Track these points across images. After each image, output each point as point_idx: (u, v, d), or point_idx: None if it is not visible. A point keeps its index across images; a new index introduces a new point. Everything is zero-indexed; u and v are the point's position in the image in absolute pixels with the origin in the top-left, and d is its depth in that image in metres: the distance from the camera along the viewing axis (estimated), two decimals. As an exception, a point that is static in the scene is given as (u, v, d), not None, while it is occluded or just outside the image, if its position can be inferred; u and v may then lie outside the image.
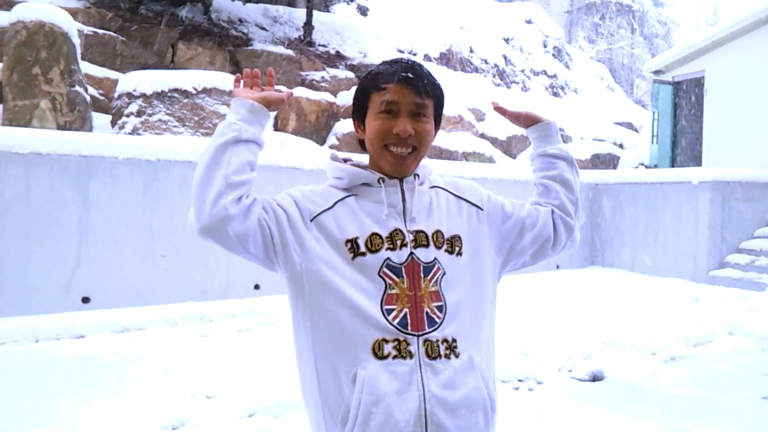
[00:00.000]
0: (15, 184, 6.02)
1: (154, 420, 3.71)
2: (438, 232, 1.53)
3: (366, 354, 1.42)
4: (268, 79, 1.62)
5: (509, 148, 15.10)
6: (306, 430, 3.62)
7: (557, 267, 10.92)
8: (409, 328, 1.44)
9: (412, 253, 1.48)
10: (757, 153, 12.09)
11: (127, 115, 8.13)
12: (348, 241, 1.48)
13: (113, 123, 8.38)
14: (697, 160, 13.87)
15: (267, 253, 1.48)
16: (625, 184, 11.00)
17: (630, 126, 19.06)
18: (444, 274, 1.50)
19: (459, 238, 1.56)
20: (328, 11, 17.36)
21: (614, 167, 15.77)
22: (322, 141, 11.47)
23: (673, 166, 14.41)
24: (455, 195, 1.63)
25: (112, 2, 12.10)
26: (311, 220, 1.50)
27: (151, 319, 6.20)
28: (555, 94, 21.39)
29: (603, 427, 3.97)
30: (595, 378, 4.92)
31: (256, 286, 7.40)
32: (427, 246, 1.50)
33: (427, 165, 1.64)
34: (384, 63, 1.58)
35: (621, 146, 17.16)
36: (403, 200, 1.54)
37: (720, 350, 5.89)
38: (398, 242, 1.49)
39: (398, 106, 1.50)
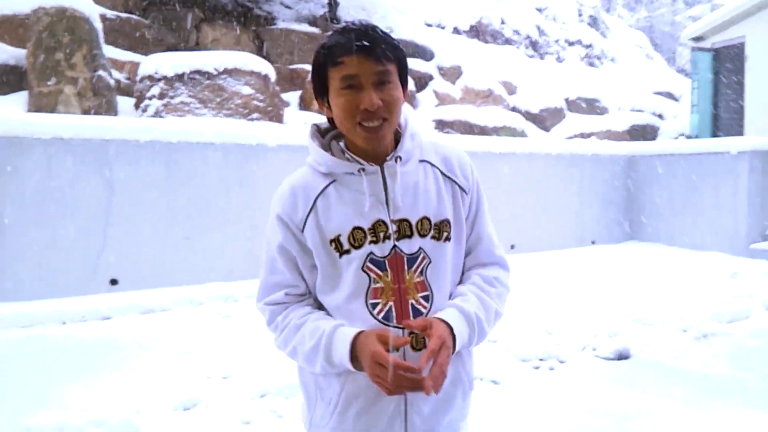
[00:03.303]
0: (39, 170, 6.08)
1: (168, 400, 3.71)
2: (424, 219, 1.48)
3: None
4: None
5: (542, 121, 14.77)
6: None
7: (592, 242, 10.67)
8: (394, 320, 1.44)
9: (395, 245, 1.46)
10: (801, 120, 11.59)
11: (150, 98, 8.14)
12: (332, 240, 1.46)
13: (136, 106, 8.41)
14: (739, 130, 13.36)
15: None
16: (662, 155, 10.64)
17: (670, 96, 18.46)
18: (430, 263, 1.48)
19: (448, 222, 1.52)
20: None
21: (654, 138, 15.32)
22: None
23: (714, 136, 13.91)
24: (444, 174, 1.56)
25: (136, -14, 12.12)
26: (302, 231, 1.49)
27: (176, 301, 6.24)
28: (591, 64, 20.84)
29: (625, 407, 3.84)
30: (621, 356, 4.77)
31: (282, 266, 7.38)
32: (410, 236, 1.47)
33: (416, 134, 1.56)
34: (335, 33, 1.46)
35: (660, 117, 16.63)
36: (385, 188, 1.48)
37: (755, 326, 5.66)
38: (381, 234, 1.46)
39: (360, 79, 1.40)
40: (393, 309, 1.45)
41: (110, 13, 10.55)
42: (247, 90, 8.55)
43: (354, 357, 1.39)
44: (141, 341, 5.03)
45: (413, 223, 1.47)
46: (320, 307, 1.55)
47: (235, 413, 3.58)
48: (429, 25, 17.22)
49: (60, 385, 3.99)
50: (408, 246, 1.46)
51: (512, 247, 9.31)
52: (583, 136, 14.27)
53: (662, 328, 5.46)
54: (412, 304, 1.46)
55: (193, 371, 4.25)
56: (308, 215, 1.48)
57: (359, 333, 1.40)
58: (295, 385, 3.90)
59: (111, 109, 8.19)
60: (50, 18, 7.73)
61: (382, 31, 1.45)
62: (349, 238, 1.45)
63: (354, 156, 1.49)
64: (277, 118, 9.05)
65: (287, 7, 14.07)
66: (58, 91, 7.71)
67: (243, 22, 12.61)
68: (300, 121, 9.67)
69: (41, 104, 7.67)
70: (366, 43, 1.40)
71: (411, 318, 1.45)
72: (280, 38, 12.48)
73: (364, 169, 1.47)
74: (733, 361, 4.73)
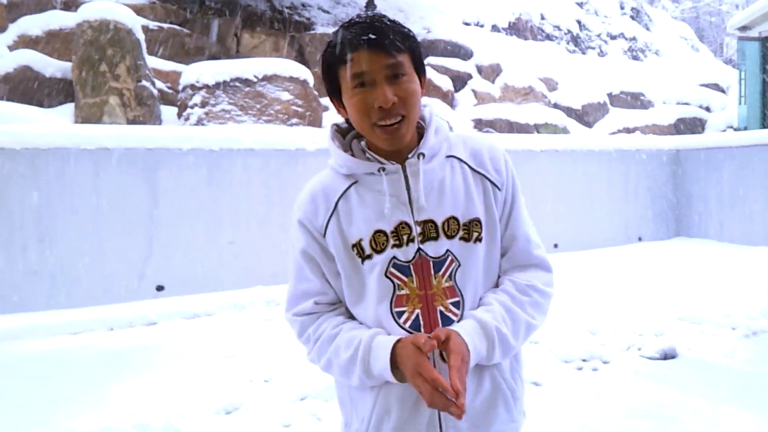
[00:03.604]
0: (86, 179, 6.26)
1: (209, 404, 3.77)
2: (451, 219, 1.38)
3: None
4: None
5: (584, 117, 14.54)
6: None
7: (639, 239, 10.46)
8: (421, 329, 1.36)
9: (419, 248, 1.36)
10: None
11: (192, 107, 8.31)
12: (354, 245, 1.39)
13: (179, 115, 8.60)
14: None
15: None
16: (709, 149, 10.36)
17: (717, 87, 17.97)
18: (459, 266, 1.38)
19: (478, 222, 1.41)
20: (392, -11, 17.16)
21: (702, 131, 14.93)
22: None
23: (763, 127, 13.49)
24: (473, 169, 1.45)
25: (177, -3, 12.40)
26: (324, 236, 1.42)
27: (220, 305, 6.35)
28: (635, 58, 20.43)
29: (670, 408, 3.75)
30: (667, 356, 4.65)
31: (323, 270, 7.43)
32: (436, 238, 1.37)
33: (442, 128, 1.46)
34: (340, 28, 1.36)
35: (708, 109, 16.21)
36: (408, 188, 1.38)
37: (809, 323, 5.47)
38: (404, 237, 1.37)
39: (371, 76, 1.30)
40: (420, 317, 1.36)
41: (152, 24, 10.80)
42: (286, 96, 8.65)
43: (394, 366, 1.29)
44: (185, 346, 5.13)
45: (439, 223, 1.38)
46: (352, 317, 1.47)
47: (275, 416, 3.62)
48: (467, 24, 17.14)
49: (105, 389, 4.10)
50: (434, 249, 1.37)
51: (555, 246, 9.19)
52: (627, 131, 14.00)
53: (709, 326, 5.32)
54: (441, 311, 1.36)
55: (236, 375, 4.31)
56: (329, 219, 1.41)
57: (398, 341, 1.30)
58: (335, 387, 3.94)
59: (155, 119, 8.38)
60: (94, 31, 7.96)
61: (390, 20, 1.35)
62: (371, 243, 1.37)
63: (374, 155, 1.41)
64: (316, 123, 9.13)
65: (325, 11, 14.18)
66: (103, 102, 7.93)
67: (282, 29, 12.76)
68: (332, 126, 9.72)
69: (88, 115, 7.90)
70: (372, 36, 1.29)
71: (440, 326, 1.36)
72: (318, 43, 12.58)
73: (384, 169, 1.38)
74: (784, 359, 4.58)
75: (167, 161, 6.65)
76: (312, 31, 13.11)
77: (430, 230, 1.37)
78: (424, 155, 1.39)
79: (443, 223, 1.38)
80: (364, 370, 1.33)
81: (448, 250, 1.37)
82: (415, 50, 1.37)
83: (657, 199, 10.67)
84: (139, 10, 10.28)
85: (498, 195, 1.45)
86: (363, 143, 1.45)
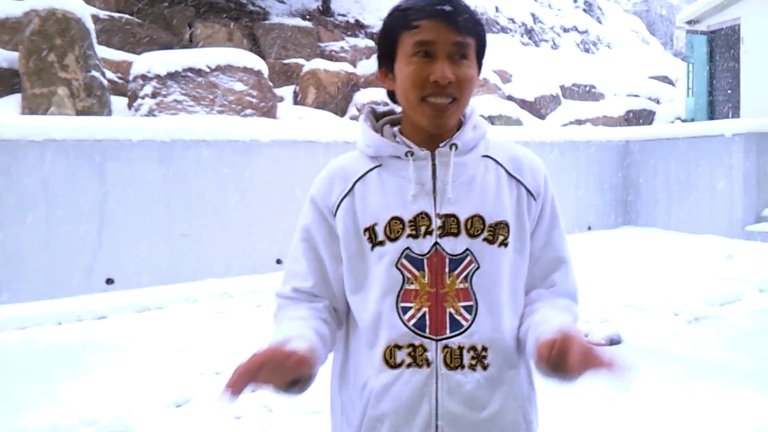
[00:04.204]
0: (33, 172, 6.12)
1: (160, 398, 3.75)
2: (476, 217, 1.28)
3: (378, 362, 1.27)
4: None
5: (537, 109, 14.75)
6: (306, 401, 3.62)
7: (589, 228, 10.70)
8: (427, 330, 1.25)
9: (436, 242, 1.26)
10: (797, 101, 11.57)
11: (142, 97, 8.18)
12: (366, 229, 1.29)
13: (129, 106, 8.45)
14: (735, 112, 13.34)
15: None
16: (657, 140, 10.65)
17: (666, 80, 18.43)
18: (477, 268, 1.27)
19: (506, 225, 1.30)
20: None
21: (650, 123, 15.30)
22: (342, 112, 11.39)
23: (710, 119, 13.89)
24: (509, 173, 1.35)
25: (128, -15, 12.14)
26: (334, 216, 1.33)
27: (171, 298, 6.29)
28: (587, 50, 20.79)
29: (617, 392, 3.87)
30: (613, 342, 4.80)
31: (278, 261, 7.43)
32: (456, 234, 1.27)
33: (481, 124, 1.37)
34: None
35: (657, 101, 16.61)
36: (435, 177, 1.30)
37: (748, 309, 5.70)
38: (422, 228, 1.27)
39: (435, 47, 1.23)
40: (427, 317, 1.25)
41: (102, 13, 10.57)
42: (239, 86, 8.58)
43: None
44: (136, 340, 5.08)
45: (462, 219, 1.28)
46: (335, 310, 1.36)
47: (226, 409, 3.62)
48: (423, 16, 17.18)
49: (53, 384, 4.04)
50: (452, 245, 1.27)
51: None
52: (579, 122, 14.26)
53: (654, 312, 5.49)
54: (450, 313, 1.26)
55: (187, 368, 4.29)
56: (343, 198, 1.32)
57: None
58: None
59: (104, 109, 8.22)
60: (42, 20, 7.76)
61: (464, 2, 1.28)
62: (385, 229, 1.27)
63: (405, 140, 1.33)
64: (271, 114, 9.08)
65: (280, 1, 14.07)
66: (51, 92, 7.74)
67: (236, 18, 12.62)
68: (294, 116, 9.69)
69: (35, 106, 7.70)
70: (448, 8, 1.23)
71: (447, 330, 1.25)
72: (273, 33, 12.48)
73: (412, 153, 1.30)
74: (724, 343, 4.77)
75: (117, 152, 6.54)
76: (267, 21, 12.99)
77: (450, 225, 1.28)
78: (456, 146, 1.31)
79: (466, 221, 1.28)
80: None
81: (467, 249, 1.28)
82: (483, 39, 1.31)
83: (606, 189, 10.93)
84: (89, 0, 10.04)
85: (532, 204, 1.35)
86: (395, 129, 1.37)
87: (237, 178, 7.19)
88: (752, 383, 3.96)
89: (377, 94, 11.24)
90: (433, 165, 1.30)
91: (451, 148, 1.30)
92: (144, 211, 6.69)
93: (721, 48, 14.03)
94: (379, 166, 1.33)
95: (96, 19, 9.68)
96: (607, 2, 26.79)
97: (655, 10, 35.12)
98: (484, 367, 1.26)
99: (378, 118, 1.42)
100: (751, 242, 8.79)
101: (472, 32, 1.26)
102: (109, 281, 6.49)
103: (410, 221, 1.27)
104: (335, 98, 11.31)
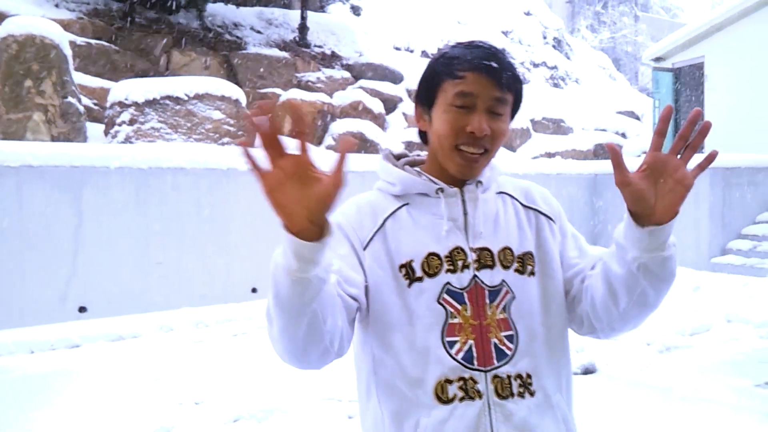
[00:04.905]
0: (8, 198, 6.06)
1: (140, 428, 3.72)
2: (506, 250, 1.33)
3: (429, 398, 1.24)
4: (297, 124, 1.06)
5: (509, 141, 15.04)
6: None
7: (560, 259, 10.87)
8: (475, 363, 1.25)
9: (475, 275, 1.29)
10: (759, 137, 11.98)
11: (119, 124, 8.17)
12: (402, 266, 1.29)
13: (106, 132, 8.43)
14: (700, 147, 13.72)
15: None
16: (625, 173, 10.89)
17: (632, 114, 18.94)
18: (513, 298, 1.30)
19: (531, 255, 1.35)
20: (323, 11, 17.36)
21: (617, 157, 15.64)
22: (318, 142, 11.49)
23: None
24: (524, 205, 1.41)
25: (105, 12, 12.17)
26: (364, 249, 1.31)
27: (146, 327, 6.23)
28: (555, 86, 21.28)
29: (592, 421, 3.94)
30: (587, 371, 4.89)
31: (254, 290, 7.41)
32: (492, 267, 1.30)
33: (496, 166, 1.43)
34: (460, 45, 1.34)
35: (624, 135, 17.05)
36: (465, 213, 1.33)
37: (717, 339, 5.84)
38: (459, 263, 1.29)
39: (476, 100, 1.27)
40: (474, 349, 1.26)
41: (80, 40, 10.57)
42: (217, 115, 8.62)
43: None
44: (110, 369, 5.02)
45: (495, 252, 1.31)
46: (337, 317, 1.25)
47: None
48: (398, 49, 17.48)
49: (26, 414, 3.98)
50: (489, 277, 1.29)
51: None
52: (548, 155, 14.56)
53: (627, 342, 5.60)
54: (495, 344, 1.27)
55: (165, 398, 4.26)
56: (374, 235, 1.31)
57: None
58: (269, 408, 3.95)
59: (80, 136, 8.19)
60: (19, 45, 7.74)
61: (508, 58, 1.33)
62: (423, 265, 1.28)
63: (431, 177, 1.36)
64: (249, 143, 9.11)
65: (257, 32, 14.20)
66: (26, 118, 7.70)
67: (213, 47, 12.69)
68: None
69: (10, 131, 7.65)
70: (495, 64, 1.28)
71: (494, 360, 1.26)
72: (250, 62, 12.58)
73: (442, 190, 1.33)
74: (694, 372, 4.88)
75: (94, 179, 6.52)
76: (244, 51, 13.09)
77: (486, 258, 1.31)
78: (481, 183, 1.36)
79: (499, 252, 1.32)
80: (273, 283, 1.08)
81: (503, 280, 1.30)
82: (519, 96, 1.36)
83: (575, 220, 11.13)
84: (66, 26, 10.06)
85: (554, 227, 1.41)
86: (416, 168, 1.40)
87: (214, 206, 7.19)
88: (722, 411, 4.07)
89: (353, 125, 11.35)
90: (463, 200, 1.34)
91: (477, 186, 1.35)
92: (120, 239, 6.64)
93: (686, 84, 14.51)
94: (407, 204, 1.35)
95: (73, 45, 9.68)
96: (575, 39, 27.53)
97: (621, 47, 36.15)
98: (531, 394, 1.27)
99: (397, 159, 1.45)
100: (717, 274, 9.02)
101: (512, 89, 1.31)
102: (82, 309, 6.41)
103: (446, 256, 1.29)
104: (312, 128, 11.39)
